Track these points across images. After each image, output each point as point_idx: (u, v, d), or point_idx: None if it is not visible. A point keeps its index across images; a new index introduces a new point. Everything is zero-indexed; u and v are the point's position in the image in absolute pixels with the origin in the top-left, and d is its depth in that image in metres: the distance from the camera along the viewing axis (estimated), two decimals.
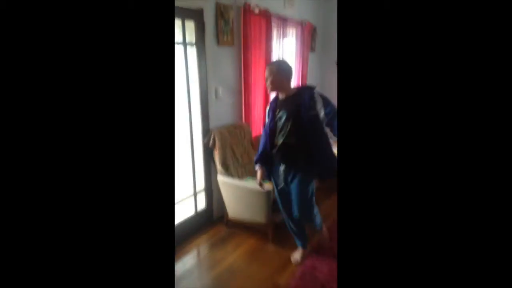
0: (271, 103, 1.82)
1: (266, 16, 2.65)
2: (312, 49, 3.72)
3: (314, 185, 1.81)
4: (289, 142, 1.71)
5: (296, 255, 2.00)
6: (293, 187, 1.78)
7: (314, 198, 1.85)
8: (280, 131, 1.73)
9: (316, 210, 1.91)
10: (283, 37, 3.02)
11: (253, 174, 2.44)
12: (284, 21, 2.96)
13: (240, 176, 2.39)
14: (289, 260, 2.00)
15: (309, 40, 3.54)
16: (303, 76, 3.49)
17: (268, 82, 1.71)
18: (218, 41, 2.26)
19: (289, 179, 1.79)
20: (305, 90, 1.72)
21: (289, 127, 1.69)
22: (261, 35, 2.65)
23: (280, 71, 1.69)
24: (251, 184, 2.14)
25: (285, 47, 3.11)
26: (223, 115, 2.46)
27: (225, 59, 2.39)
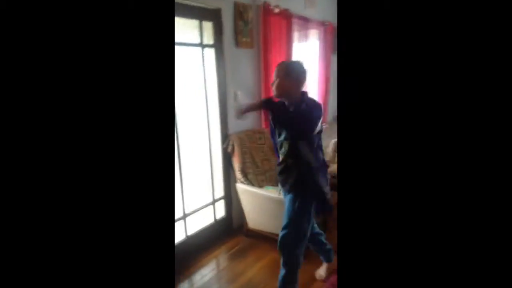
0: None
1: (287, 17, 2.55)
2: (335, 50, 3.57)
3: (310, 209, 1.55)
4: (286, 162, 1.51)
5: (321, 271, 1.84)
6: (286, 204, 1.57)
7: (307, 223, 1.53)
8: (281, 147, 1.53)
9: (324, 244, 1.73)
10: (304, 39, 2.90)
11: (274, 182, 2.32)
12: (305, 22, 2.85)
13: (260, 184, 2.26)
14: (313, 276, 1.85)
15: (332, 41, 3.40)
16: (327, 79, 3.34)
17: (274, 86, 1.42)
18: (237, 43, 2.18)
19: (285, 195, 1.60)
20: (302, 100, 1.45)
21: (287, 147, 1.49)
22: (282, 36, 2.54)
23: (289, 74, 1.41)
24: (272, 192, 2.02)
25: (307, 49, 2.98)
26: (242, 119, 2.35)
27: (244, 62, 2.30)
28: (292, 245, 1.51)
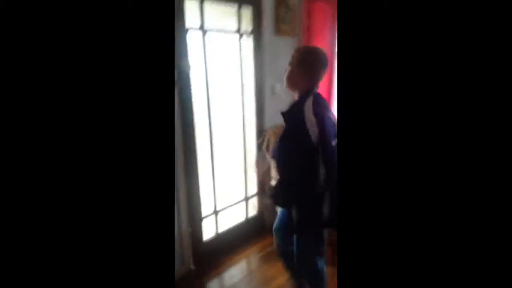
0: None
1: (332, 3, 2.33)
2: None
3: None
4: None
5: None
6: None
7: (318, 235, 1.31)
8: None
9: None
10: None
11: None
12: None
13: None
14: None
15: None
16: None
17: (285, 75, 1.24)
18: (277, 31, 2.02)
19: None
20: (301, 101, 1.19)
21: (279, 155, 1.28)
22: (326, 24, 2.33)
23: (303, 62, 1.18)
24: None
25: None
26: (280, 114, 2.21)
27: (284, 51, 2.13)
28: (308, 261, 1.34)
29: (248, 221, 2.23)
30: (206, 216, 1.97)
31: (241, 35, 1.91)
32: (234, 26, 1.87)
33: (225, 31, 1.87)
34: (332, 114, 1.21)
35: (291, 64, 1.23)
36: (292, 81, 1.23)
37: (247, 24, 1.92)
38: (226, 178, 2.10)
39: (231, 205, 2.14)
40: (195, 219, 1.90)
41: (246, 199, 2.21)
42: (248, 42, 1.96)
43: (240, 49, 1.92)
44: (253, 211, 2.29)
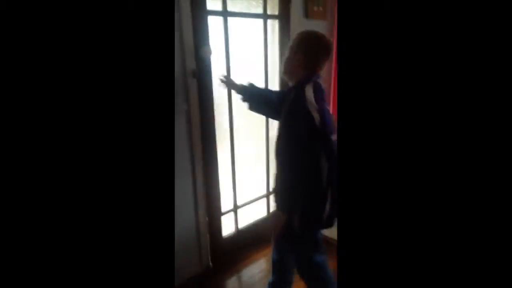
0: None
1: None
2: None
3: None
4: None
5: None
6: None
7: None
8: None
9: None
10: None
11: None
12: None
13: None
14: None
15: None
16: None
17: (283, 62, 1.15)
18: (307, 13, 1.86)
19: None
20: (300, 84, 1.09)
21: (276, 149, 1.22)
22: None
23: (301, 48, 1.07)
24: None
25: None
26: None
27: None
28: (308, 264, 1.23)
29: (269, 217, 2.14)
30: (225, 212, 1.89)
31: (266, 19, 1.76)
32: (259, 9, 1.72)
33: (248, 15, 1.73)
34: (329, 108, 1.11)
35: (288, 49, 1.12)
36: (289, 68, 1.13)
37: (273, 7, 1.77)
38: (247, 172, 2.00)
39: (252, 201, 2.05)
40: (214, 215, 1.82)
41: (268, 194, 2.11)
42: (274, 27, 1.81)
43: (265, 34, 1.77)
44: (275, 207, 2.19)
